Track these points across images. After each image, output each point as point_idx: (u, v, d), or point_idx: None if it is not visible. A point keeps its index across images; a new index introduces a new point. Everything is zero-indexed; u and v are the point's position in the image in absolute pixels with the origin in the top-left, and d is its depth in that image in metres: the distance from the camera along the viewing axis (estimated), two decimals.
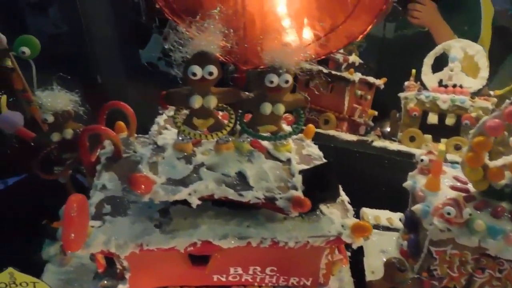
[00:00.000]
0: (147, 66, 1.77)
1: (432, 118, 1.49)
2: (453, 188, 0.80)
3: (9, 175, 1.84)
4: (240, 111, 0.66)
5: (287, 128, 0.71)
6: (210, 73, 0.58)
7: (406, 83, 1.59)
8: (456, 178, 0.84)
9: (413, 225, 0.86)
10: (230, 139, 0.67)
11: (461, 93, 1.47)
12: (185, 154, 0.66)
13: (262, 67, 0.62)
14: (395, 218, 1.07)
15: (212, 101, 0.60)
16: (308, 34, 0.58)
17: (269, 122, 0.66)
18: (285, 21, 0.61)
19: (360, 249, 0.94)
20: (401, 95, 1.57)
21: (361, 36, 0.65)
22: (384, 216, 1.08)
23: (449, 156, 1.43)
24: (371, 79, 1.70)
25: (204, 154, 0.66)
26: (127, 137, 0.81)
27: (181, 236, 0.62)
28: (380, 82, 1.72)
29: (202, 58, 0.57)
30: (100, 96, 1.99)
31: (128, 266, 0.67)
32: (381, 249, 0.96)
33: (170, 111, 0.79)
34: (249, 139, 0.68)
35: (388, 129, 1.75)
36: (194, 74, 0.57)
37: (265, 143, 0.71)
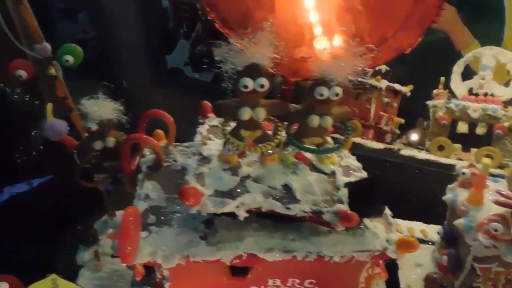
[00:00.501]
0: (173, 72, 1.78)
1: (462, 127, 1.47)
2: (497, 202, 0.78)
3: (34, 176, 1.87)
4: (286, 122, 0.65)
5: (331, 139, 0.71)
6: (261, 86, 0.57)
7: (434, 91, 1.56)
8: (499, 192, 0.82)
9: (452, 239, 0.84)
10: (275, 150, 0.67)
11: (492, 101, 1.44)
12: (231, 165, 0.65)
13: (310, 79, 0.61)
14: (429, 230, 1.05)
15: (261, 114, 0.60)
16: (357, 47, 0.57)
17: (315, 134, 0.65)
18: (334, 33, 0.61)
19: (394, 261, 0.92)
20: (430, 103, 1.55)
21: (410, 48, 0.64)
22: (418, 228, 1.06)
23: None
24: (397, 86, 1.68)
25: (249, 166, 0.66)
26: (166, 146, 0.82)
27: (227, 249, 0.61)
28: (406, 90, 1.70)
29: (254, 71, 0.57)
30: (126, 101, 2.01)
31: (168, 275, 0.67)
32: (416, 262, 0.95)
33: (211, 120, 0.79)
34: (293, 151, 0.67)
35: (415, 138, 1.72)
36: (246, 87, 0.57)
37: (308, 155, 0.70)
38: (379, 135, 1.68)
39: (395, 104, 1.74)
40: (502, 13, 1.84)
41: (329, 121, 0.63)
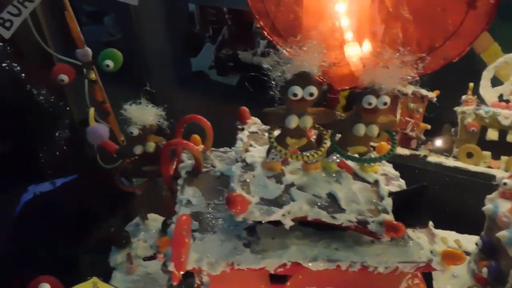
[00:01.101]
0: (198, 75, 1.78)
1: (492, 134, 1.44)
2: None
3: (58, 176, 1.89)
4: (331, 131, 0.65)
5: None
6: (311, 94, 0.57)
7: (463, 97, 1.54)
8: None
9: (492, 251, 0.83)
10: (318, 158, 0.66)
11: None
12: (275, 173, 0.65)
13: (358, 87, 0.61)
14: (463, 240, 1.03)
15: (308, 122, 0.60)
16: (407, 55, 0.56)
17: (360, 143, 0.65)
18: (382, 42, 0.60)
19: (429, 272, 0.91)
20: (458, 109, 1.52)
21: (458, 57, 0.63)
22: (451, 237, 1.04)
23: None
24: (424, 91, 1.65)
25: (292, 174, 0.65)
26: (204, 151, 0.82)
27: (271, 257, 0.61)
28: (433, 95, 1.68)
29: (303, 79, 0.56)
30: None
31: (208, 281, 0.67)
32: (452, 273, 0.93)
33: (250, 126, 0.79)
34: (337, 159, 0.67)
35: (440, 144, 1.70)
36: (295, 95, 0.57)
37: (350, 163, 0.69)
38: (405, 141, 1.66)
39: (421, 110, 1.72)
40: None
41: (375, 130, 0.62)
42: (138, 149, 0.77)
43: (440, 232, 1.06)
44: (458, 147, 1.50)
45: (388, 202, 0.64)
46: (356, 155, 0.66)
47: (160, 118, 0.76)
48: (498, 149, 1.42)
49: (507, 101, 1.44)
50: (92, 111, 0.76)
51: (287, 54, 0.58)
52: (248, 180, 0.63)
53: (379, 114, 0.61)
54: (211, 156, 0.82)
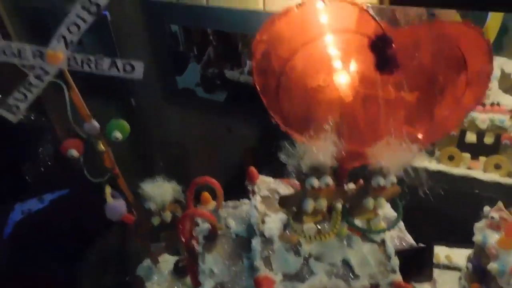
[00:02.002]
0: (185, 92, 1.79)
1: (471, 137, 1.52)
2: None
3: (44, 192, 1.89)
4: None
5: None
6: (327, 184, 0.62)
7: None
8: None
9: (482, 275, 0.92)
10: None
11: (499, 111, 1.50)
12: (292, 244, 0.70)
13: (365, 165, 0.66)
14: (453, 255, 1.12)
15: (323, 204, 0.65)
16: (410, 140, 0.62)
17: (368, 213, 0.70)
18: (387, 122, 0.65)
19: None
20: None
21: (456, 128, 0.69)
22: (442, 253, 1.13)
23: (489, 176, 1.48)
24: None
25: (307, 241, 0.71)
26: (216, 210, 0.86)
27: None
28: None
29: (319, 171, 0.61)
30: (134, 118, 2.02)
31: None
32: None
33: (261, 189, 0.83)
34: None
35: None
36: (312, 186, 0.61)
37: (358, 222, 0.75)
38: None
39: None
40: None
41: (383, 203, 0.68)
42: (156, 220, 0.80)
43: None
44: (440, 150, 1.59)
45: (395, 262, 0.71)
46: (364, 221, 0.72)
47: (178, 193, 0.79)
48: (477, 150, 1.52)
49: (484, 105, 1.53)
50: (108, 189, 0.78)
51: (302, 143, 0.62)
52: (269, 256, 0.68)
53: (386, 190, 0.67)
54: (223, 214, 0.86)
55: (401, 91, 0.64)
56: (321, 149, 0.60)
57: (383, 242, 0.74)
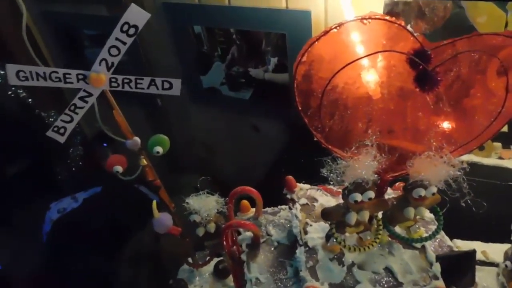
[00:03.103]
0: (210, 91, 1.81)
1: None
2: None
3: (77, 190, 1.96)
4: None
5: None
6: (370, 198, 0.63)
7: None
8: None
9: None
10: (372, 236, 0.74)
11: None
12: (335, 253, 0.73)
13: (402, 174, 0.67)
14: (490, 250, 1.12)
15: (366, 216, 0.66)
16: (450, 153, 0.63)
17: (408, 221, 0.72)
18: (425, 134, 0.66)
19: None
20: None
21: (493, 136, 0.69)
22: (478, 249, 1.13)
23: None
24: None
25: (351, 252, 0.73)
26: (256, 217, 0.89)
27: None
28: None
29: (362, 186, 0.63)
30: (160, 118, 2.06)
31: None
32: (482, 286, 1.03)
33: (300, 197, 0.85)
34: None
35: None
36: (356, 201, 0.63)
37: (397, 229, 0.77)
38: None
39: None
40: None
41: (424, 212, 0.69)
42: (201, 231, 0.84)
43: (467, 243, 1.16)
44: None
45: (437, 268, 0.72)
46: (404, 230, 0.73)
47: (221, 205, 0.82)
48: (508, 139, 1.49)
49: None
50: (155, 204, 0.81)
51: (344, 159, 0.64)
52: (314, 266, 0.71)
53: (427, 201, 0.68)
54: (263, 221, 0.89)
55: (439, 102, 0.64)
56: (363, 164, 0.62)
57: (423, 248, 0.76)
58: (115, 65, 0.75)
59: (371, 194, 0.63)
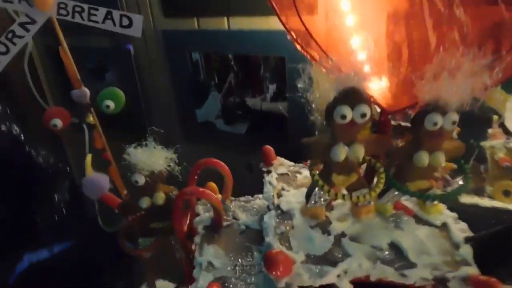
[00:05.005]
0: (204, 126, 1.70)
1: None
2: None
3: (55, 241, 1.77)
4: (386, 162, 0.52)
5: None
6: (363, 115, 0.45)
7: (490, 130, 1.43)
8: None
9: None
10: (371, 201, 0.53)
11: None
12: (318, 221, 0.52)
13: (413, 108, 0.49)
14: None
15: (360, 152, 0.47)
16: (478, 58, 0.45)
17: (422, 176, 0.52)
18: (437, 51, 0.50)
19: None
20: (486, 144, 1.40)
21: None
22: None
23: None
24: None
25: (341, 221, 0.52)
26: (223, 201, 0.69)
27: None
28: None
29: (353, 96, 0.45)
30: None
31: None
32: None
33: (277, 168, 0.66)
34: (393, 199, 0.54)
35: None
36: (343, 117, 0.45)
37: (409, 203, 0.56)
38: None
39: None
40: None
41: (441, 159, 0.49)
42: (145, 202, 0.63)
43: None
44: (492, 185, 1.37)
45: (466, 251, 0.50)
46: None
47: (171, 162, 0.64)
48: None
49: None
50: (89, 158, 0.63)
51: (324, 71, 0.47)
52: (287, 232, 0.50)
53: (445, 138, 0.49)
54: (231, 206, 0.68)
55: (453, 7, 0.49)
56: (354, 69, 0.45)
57: (445, 226, 0.54)
58: None
59: (366, 109, 0.45)
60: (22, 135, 1.93)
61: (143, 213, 0.65)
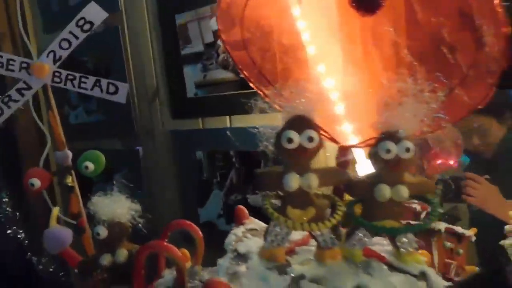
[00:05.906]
0: (206, 226, 1.66)
1: None
2: None
3: None
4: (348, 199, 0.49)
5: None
6: (310, 139, 0.44)
7: (506, 227, 1.33)
8: None
9: None
10: (336, 244, 0.48)
11: None
12: (277, 264, 0.47)
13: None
14: None
15: (313, 181, 0.45)
16: (423, 86, 0.46)
17: (387, 215, 0.48)
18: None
19: None
20: (505, 243, 1.29)
21: (484, 102, 0.52)
22: None
23: None
24: (459, 229, 1.45)
25: (303, 265, 0.47)
26: (193, 266, 0.64)
27: None
28: (470, 233, 1.47)
29: (299, 122, 0.45)
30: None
31: None
32: None
33: (248, 224, 0.63)
34: (360, 246, 0.49)
35: None
36: (290, 140, 0.44)
37: (384, 252, 0.51)
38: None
39: (461, 251, 1.48)
40: None
41: (403, 192, 0.46)
42: (106, 259, 0.59)
43: None
44: None
45: None
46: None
47: (136, 214, 0.61)
48: None
49: None
50: (56, 211, 0.62)
51: (277, 107, 0.49)
52: (238, 272, 0.45)
53: (404, 168, 0.47)
54: (200, 272, 0.63)
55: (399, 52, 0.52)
56: (301, 102, 0.46)
57: (423, 275, 0.47)
58: (62, 60, 0.73)
59: (312, 133, 0.44)
60: (25, 241, 1.95)
61: (104, 275, 0.61)
